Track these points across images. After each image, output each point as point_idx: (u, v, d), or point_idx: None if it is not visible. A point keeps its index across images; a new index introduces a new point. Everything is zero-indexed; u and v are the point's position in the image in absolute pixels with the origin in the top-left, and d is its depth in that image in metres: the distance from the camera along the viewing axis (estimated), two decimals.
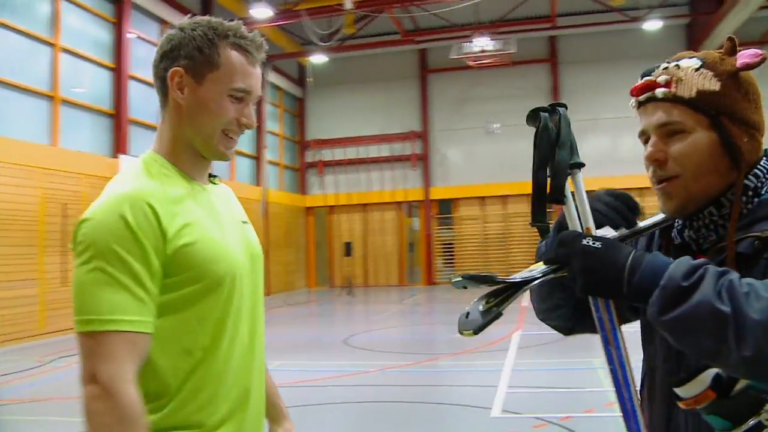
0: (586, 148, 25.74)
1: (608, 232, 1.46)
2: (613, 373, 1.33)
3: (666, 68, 1.45)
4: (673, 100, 1.40)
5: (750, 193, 1.40)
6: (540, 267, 1.42)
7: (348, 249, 24.03)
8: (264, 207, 23.20)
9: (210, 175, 1.78)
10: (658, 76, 1.44)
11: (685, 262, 1.20)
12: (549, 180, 1.37)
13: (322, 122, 27.98)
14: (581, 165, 1.42)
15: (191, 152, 1.67)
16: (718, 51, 1.46)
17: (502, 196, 26.30)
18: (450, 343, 11.84)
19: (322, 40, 22.22)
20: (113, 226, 1.46)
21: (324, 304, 21.48)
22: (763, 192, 1.40)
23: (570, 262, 1.30)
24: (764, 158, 1.43)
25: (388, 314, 17.36)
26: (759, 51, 1.39)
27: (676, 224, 1.51)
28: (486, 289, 1.37)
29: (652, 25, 23.09)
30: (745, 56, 1.39)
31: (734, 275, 1.17)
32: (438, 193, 26.84)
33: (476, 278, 1.33)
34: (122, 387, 1.41)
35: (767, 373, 1.13)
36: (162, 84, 1.66)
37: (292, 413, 2.00)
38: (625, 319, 1.66)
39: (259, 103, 24.27)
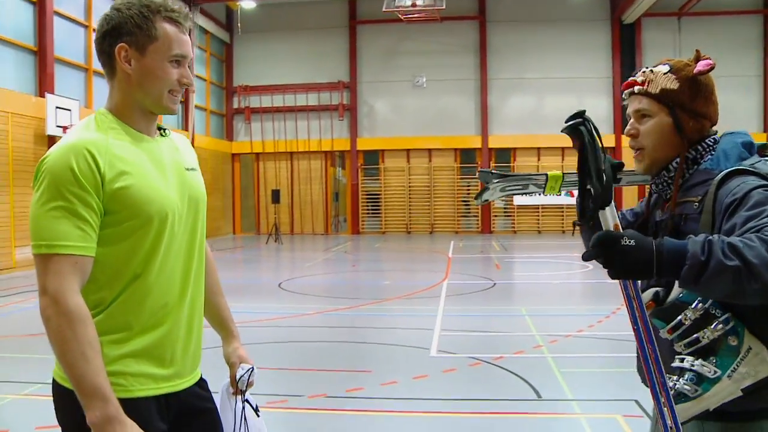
0: (510, 107, 26.48)
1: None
2: (637, 331, 1.76)
3: (644, 71, 2.07)
4: (645, 94, 2.03)
5: (690, 162, 2.01)
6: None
7: (276, 196, 24.12)
8: None
9: (159, 128, 2.10)
10: (637, 77, 2.07)
11: (696, 242, 1.60)
12: (599, 186, 1.67)
13: (250, 69, 27.73)
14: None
15: (139, 111, 2.00)
16: (687, 60, 2.06)
17: (427, 149, 26.86)
18: (382, 289, 12.37)
19: None
20: (61, 172, 1.80)
21: (253, 250, 21.69)
22: (702, 162, 2.00)
23: (611, 258, 1.60)
24: (709, 138, 2.04)
25: (318, 261, 17.74)
26: (710, 61, 2.01)
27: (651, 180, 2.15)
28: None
29: None
30: (699, 65, 2.01)
31: (727, 237, 1.61)
32: (365, 144, 27.17)
33: (492, 174, 2.23)
34: (66, 295, 1.75)
35: None
36: (108, 58, 1.97)
37: None
38: None
39: None
